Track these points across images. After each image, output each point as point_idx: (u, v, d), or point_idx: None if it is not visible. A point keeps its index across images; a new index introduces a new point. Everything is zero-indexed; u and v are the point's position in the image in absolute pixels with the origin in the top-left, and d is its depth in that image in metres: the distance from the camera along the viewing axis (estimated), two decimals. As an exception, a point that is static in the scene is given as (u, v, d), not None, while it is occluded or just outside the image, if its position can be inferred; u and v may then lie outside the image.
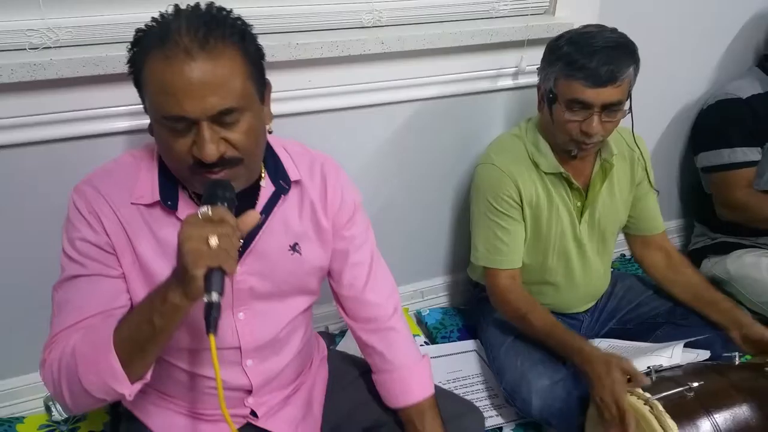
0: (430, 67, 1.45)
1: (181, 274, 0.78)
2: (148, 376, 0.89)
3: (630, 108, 1.34)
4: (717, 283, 1.80)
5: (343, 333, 1.64)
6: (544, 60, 1.34)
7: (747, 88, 1.77)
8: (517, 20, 1.49)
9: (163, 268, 0.94)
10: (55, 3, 1.15)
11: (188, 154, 0.85)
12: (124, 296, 0.94)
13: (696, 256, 1.92)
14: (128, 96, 1.18)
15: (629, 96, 1.31)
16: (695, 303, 1.46)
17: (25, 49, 1.13)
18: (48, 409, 1.40)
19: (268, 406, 1.10)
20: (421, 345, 1.63)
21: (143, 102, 0.92)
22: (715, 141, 1.81)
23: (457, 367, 1.55)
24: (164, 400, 1.09)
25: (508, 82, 1.56)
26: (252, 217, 0.83)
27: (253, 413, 1.09)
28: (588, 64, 1.21)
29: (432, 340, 1.68)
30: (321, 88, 1.37)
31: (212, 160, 0.84)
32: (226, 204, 0.82)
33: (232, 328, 1.02)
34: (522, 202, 1.38)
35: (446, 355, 1.59)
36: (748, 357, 1.40)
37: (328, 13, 1.34)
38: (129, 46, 0.88)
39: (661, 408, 1.13)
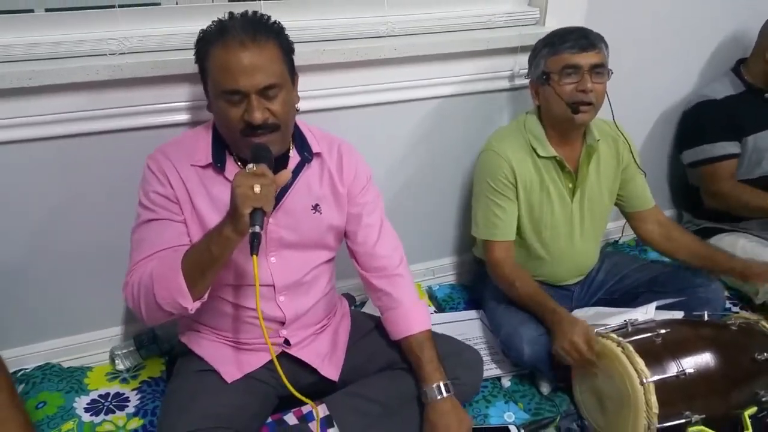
0: (436, 70, 1.69)
1: (232, 213, 1.04)
2: (206, 296, 1.15)
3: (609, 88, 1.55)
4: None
5: (363, 304, 1.87)
6: (530, 60, 1.60)
7: (721, 90, 1.98)
8: (511, 30, 1.73)
9: (213, 216, 1.20)
10: (130, 17, 1.42)
11: (240, 120, 1.13)
12: (185, 237, 1.21)
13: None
14: (188, 93, 1.46)
15: (607, 70, 1.53)
16: (696, 261, 1.67)
17: (105, 54, 1.39)
18: (113, 360, 1.65)
19: (299, 337, 1.34)
20: (431, 314, 1.85)
21: (205, 84, 1.19)
22: (697, 138, 2.01)
23: (462, 331, 1.75)
24: (213, 333, 1.34)
25: (505, 84, 1.79)
26: (285, 174, 1.10)
27: (287, 342, 1.33)
28: (568, 38, 1.49)
29: (441, 311, 1.90)
30: (344, 87, 1.61)
31: (259, 122, 1.12)
32: (266, 163, 1.09)
33: (266, 269, 1.27)
34: (517, 184, 1.60)
35: (453, 322, 1.80)
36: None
37: (350, 25, 1.59)
38: (195, 41, 1.17)
39: (631, 349, 1.32)
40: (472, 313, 1.84)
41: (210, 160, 1.22)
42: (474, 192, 1.70)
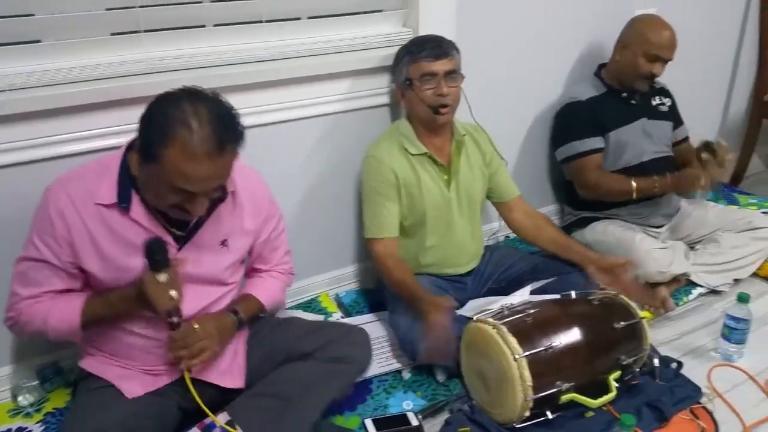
0: (321, 89, 1.81)
1: (151, 308, 1.19)
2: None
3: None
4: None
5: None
6: (393, 67, 1.81)
7: (585, 91, 2.20)
8: (388, 50, 1.86)
9: (118, 254, 1.25)
10: (11, 55, 1.45)
11: (179, 205, 1.19)
12: (73, 281, 1.28)
13: (566, 231, 2.31)
14: (70, 126, 1.49)
15: (460, 75, 1.74)
16: (557, 250, 1.88)
17: (-15, 93, 1.41)
18: (14, 397, 1.63)
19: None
20: (338, 319, 1.95)
21: (148, 154, 1.14)
22: (566, 136, 2.22)
23: (368, 332, 1.85)
24: (116, 360, 1.36)
25: (385, 100, 1.94)
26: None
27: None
28: (425, 47, 1.69)
29: (349, 315, 2.00)
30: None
31: (198, 215, 1.22)
32: (167, 262, 1.21)
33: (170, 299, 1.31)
34: (398, 183, 1.75)
35: (360, 324, 1.89)
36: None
37: (232, 51, 1.68)
38: (150, 122, 1.14)
39: (505, 330, 1.46)
40: (376, 315, 1.96)
41: (115, 200, 1.23)
42: (362, 197, 1.84)
